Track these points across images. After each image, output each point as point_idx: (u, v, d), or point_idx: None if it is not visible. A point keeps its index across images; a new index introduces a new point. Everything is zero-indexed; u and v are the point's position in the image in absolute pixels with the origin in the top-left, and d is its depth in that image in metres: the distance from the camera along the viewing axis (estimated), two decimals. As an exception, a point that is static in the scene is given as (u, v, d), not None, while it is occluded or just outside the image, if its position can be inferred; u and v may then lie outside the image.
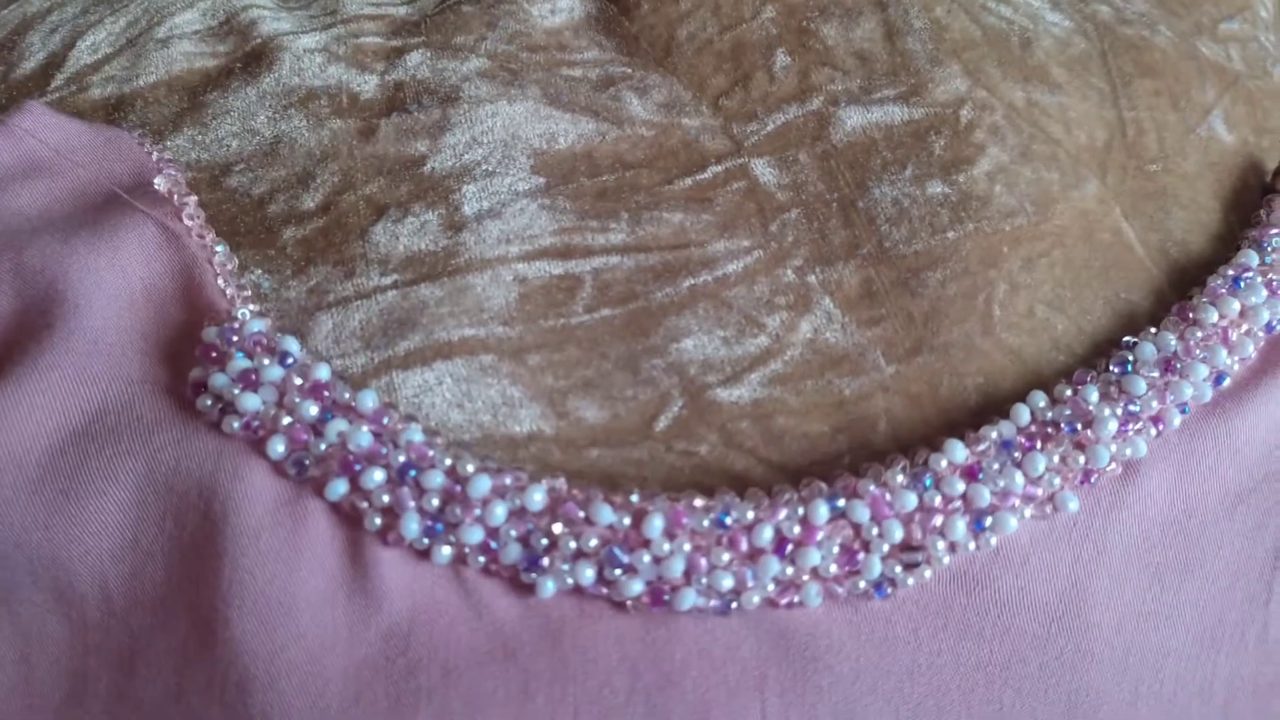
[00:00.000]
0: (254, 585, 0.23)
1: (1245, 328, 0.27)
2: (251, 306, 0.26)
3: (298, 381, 0.25)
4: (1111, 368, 0.26)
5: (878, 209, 0.28)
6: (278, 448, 0.24)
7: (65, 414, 0.24)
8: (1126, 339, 0.27)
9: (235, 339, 0.25)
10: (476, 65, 0.30)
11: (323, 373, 0.25)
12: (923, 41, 0.31)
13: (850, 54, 0.30)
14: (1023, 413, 0.26)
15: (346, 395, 0.25)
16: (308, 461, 0.24)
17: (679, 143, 0.29)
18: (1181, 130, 0.31)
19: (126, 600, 0.24)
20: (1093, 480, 0.25)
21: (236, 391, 0.24)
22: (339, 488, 0.24)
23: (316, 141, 0.28)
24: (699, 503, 0.24)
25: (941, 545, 0.25)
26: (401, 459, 0.24)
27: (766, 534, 0.24)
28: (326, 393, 0.25)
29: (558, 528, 0.24)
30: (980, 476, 0.25)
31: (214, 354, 0.25)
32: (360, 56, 0.30)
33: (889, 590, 0.24)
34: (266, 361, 0.25)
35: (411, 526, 0.24)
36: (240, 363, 0.25)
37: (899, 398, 0.26)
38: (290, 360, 0.25)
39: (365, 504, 0.24)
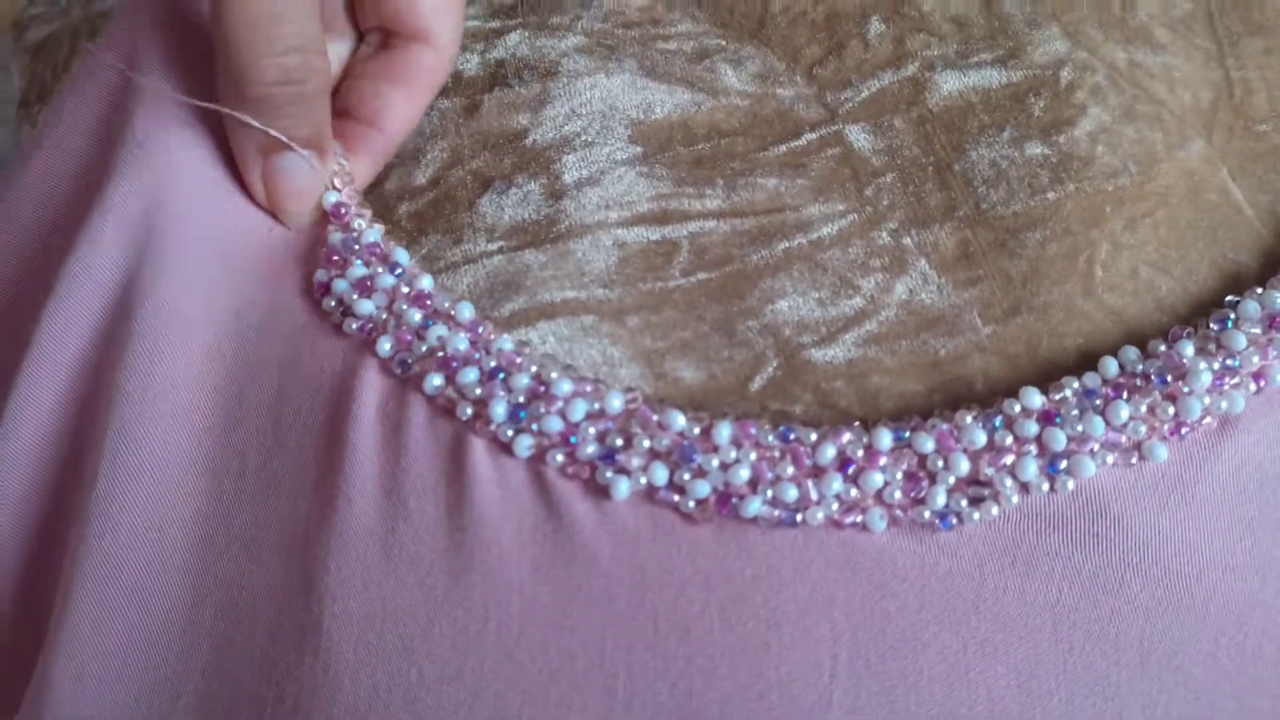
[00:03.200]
0: (370, 469, 0.25)
1: None
2: (367, 214, 0.28)
3: (405, 290, 0.27)
4: (1211, 325, 0.26)
5: (974, 171, 0.28)
6: (385, 346, 0.26)
7: (226, 300, 0.27)
8: (1230, 298, 0.26)
9: (356, 247, 0.27)
10: (574, 42, 0.31)
11: (426, 283, 0.27)
12: (1020, 5, 0.30)
13: (946, 19, 0.30)
14: (1110, 365, 0.26)
15: (447, 304, 0.26)
16: (410, 360, 0.26)
17: (773, 111, 0.29)
18: (1294, 89, 0.30)
19: (260, 477, 0.26)
20: (1183, 433, 0.25)
21: (355, 296, 0.27)
22: (435, 381, 0.26)
23: (426, 121, 0.30)
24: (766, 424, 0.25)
25: (1010, 483, 0.25)
26: (493, 363, 0.26)
27: (829, 452, 0.25)
28: (429, 301, 0.26)
29: (634, 428, 0.25)
30: (1057, 420, 0.25)
31: (336, 258, 0.27)
32: (462, 39, 0.31)
33: (954, 522, 0.24)
34: (380, 270, 0.27)
35: (499, 410, 0.25)
36: (358, 270, 0.27)
37: (996, 358, 0.26)
38: (400, 270, 0.27)
39: (458, 396, 0.25)
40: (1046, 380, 0.26)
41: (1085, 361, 0.26)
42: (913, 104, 0.29)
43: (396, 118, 0.29)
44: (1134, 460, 0.25)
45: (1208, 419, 0.25)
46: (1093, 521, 0.25)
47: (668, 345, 0.26)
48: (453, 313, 0.26)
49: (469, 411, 0.25)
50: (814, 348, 0.26)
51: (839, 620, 0.24)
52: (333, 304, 0.27)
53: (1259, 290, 0.26)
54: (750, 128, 0.29)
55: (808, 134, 0.29)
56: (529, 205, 0.28)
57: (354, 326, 0.26)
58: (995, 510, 0.25)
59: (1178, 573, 0.25)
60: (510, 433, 0.25)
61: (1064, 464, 0.25)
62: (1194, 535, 0.25)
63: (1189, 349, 0.25)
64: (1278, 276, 0.27)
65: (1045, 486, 0.25)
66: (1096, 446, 0.25)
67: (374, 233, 0.28)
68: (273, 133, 0.27)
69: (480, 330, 0.26)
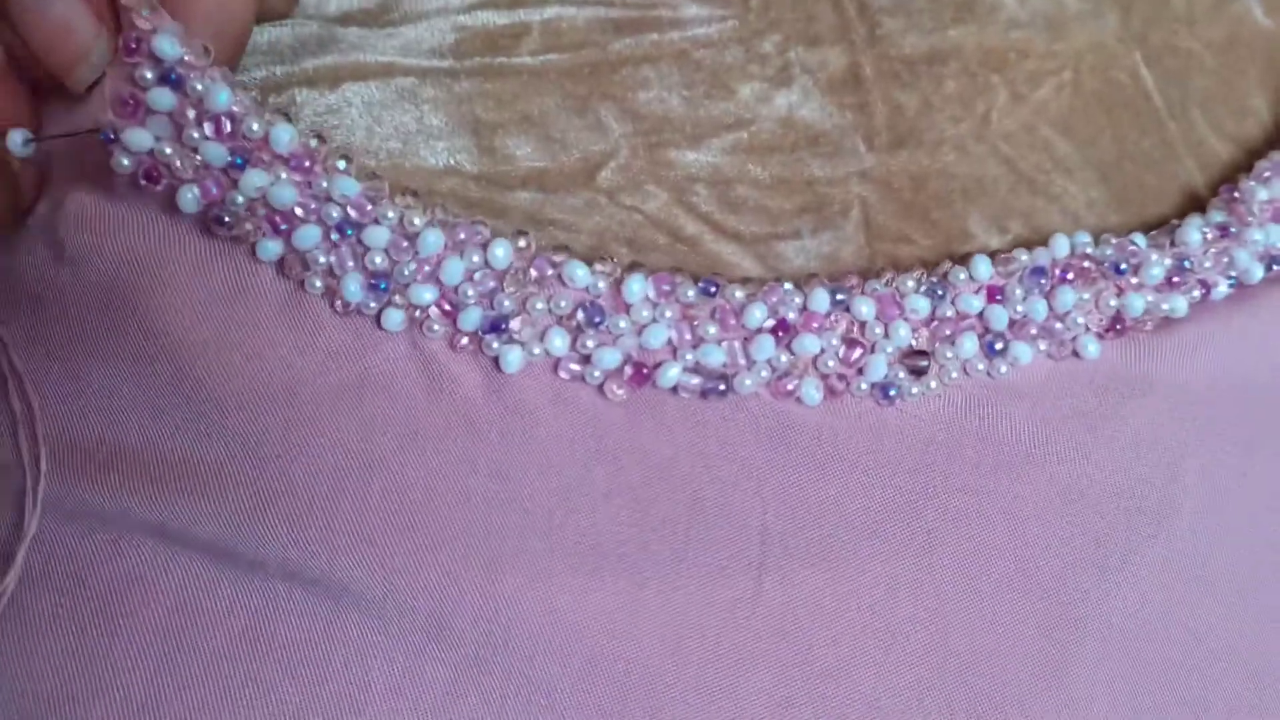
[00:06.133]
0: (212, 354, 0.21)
1: None
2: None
3: (191, 114, 0.20)
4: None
5: (874, -2, 0.25)
6: (188, 197, 0.20)
7: None
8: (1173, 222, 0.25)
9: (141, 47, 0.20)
10: None
11: (222, 98, 0.20)
12: None
13: None
14: (1061, 244, 0.24)
15: (255, 127, 0.20)
16: (227, 218, 0.20)
17: None
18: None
19: None
20: (1118, 328, 0.24)
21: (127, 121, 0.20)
22: (271, 248, 0.20)
23: None
24: (682, 276, 0.22)
25: (950, 354, 0.22)
26: (335, 214, 0.20)
27: (760, 313, 0.21)
28: (228, 123, 0.20)
29: (525, 285, 0.21)
30: (999, 299, 0.23)
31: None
32: None
33: (893, 394, 0.22)
34: (149, 74, 0.20)
35: (352, 288, 0.20)
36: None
37: (877, 187, 0.23)
38: (175, 73, 0.20)
39: (300, 265, 0.21)
40: (929, 219, 0.24)
41: (971, 205, 0.24)
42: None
43: None
44: (1064, 352, 0.23)
45: (1147, 321, 0.24)
46: (1031, 410, 0.23)
47: (504, 118, 0.22)
48: (268, 139, 0.20)
49: (318, 285, 0.21)
50: (676, 146, 0.23)
51: (770, 505, 0.22)
52: (124, 163, 0.20)
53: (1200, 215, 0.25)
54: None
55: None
56: None
57: (124, 165, 0.20)
58: (935, 384, 0.23)
59: (1098, 464, 0.23)
60: (374, 305, 0.21)
61: (1000, 345, 0.23)
62: (1128, 433, 0.24)
63: (1142, 240, 0.24)
64: (1216, 199, 0.26)
65: (981, 366, 0.23)
66: (1035, 331, 0.23)
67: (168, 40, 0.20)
68: None
69: (309, 165, 0.20)
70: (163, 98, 0.20)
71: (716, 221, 0.23)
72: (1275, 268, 0.25)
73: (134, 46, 0.20)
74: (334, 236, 0.20)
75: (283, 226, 0.20)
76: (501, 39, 0.23)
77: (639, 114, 0.23)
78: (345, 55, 0.22)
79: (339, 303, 0.21)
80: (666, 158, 0.23)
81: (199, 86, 0.20)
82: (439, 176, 0.22)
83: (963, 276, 0.23)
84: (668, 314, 0.21)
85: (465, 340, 0.21)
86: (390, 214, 0.20)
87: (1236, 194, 0.25)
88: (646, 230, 0.22)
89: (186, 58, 0.20)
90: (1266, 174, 0.25)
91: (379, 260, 0.20)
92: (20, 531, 0.21)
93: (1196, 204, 0.26)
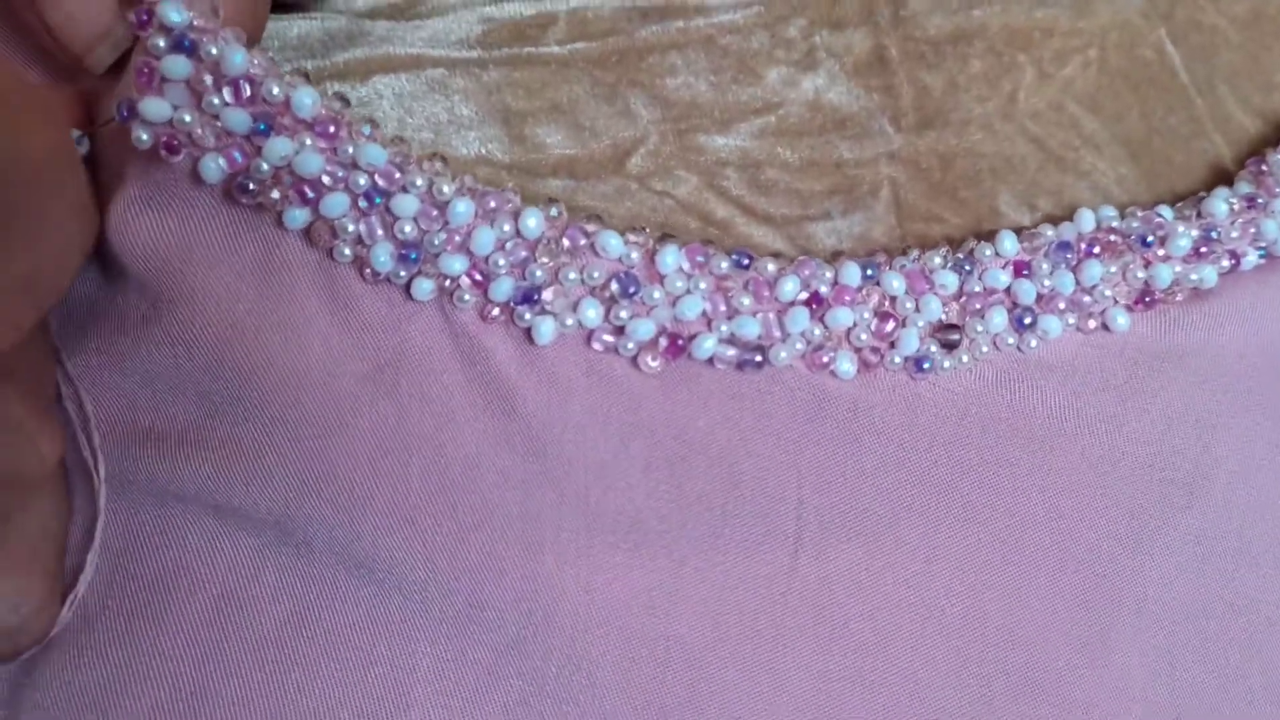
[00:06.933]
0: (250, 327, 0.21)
1: None
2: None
3: (209, 77, 0.20)
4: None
5: (897, -21, 0.25)
6: (211, 167, 0.20)
7: None
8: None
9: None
10: None
11: (238, 59, 0.19)
12: None
13: None
14: (1087, 218, 0.24)
15: (276, 91, 0.20)
16: (253, 185, 0.20)
17: None
18: (1238, -28, 0.28)
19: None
20: (1147, 301, 0.24)
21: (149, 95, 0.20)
22: (299, 216, 0.20)
23: None
24: (715, 249, 0.22)
25: (980, 328, 0.23)
26: (362, 181, 0.20)
27: (792, 285, 0.22)
28: (248, 87, 0.20)
29: (558, 256, 0.21)
30: (1026, 274, 0.23)
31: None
32: None
33: (926, 368, 0.22)
34: (161, 42, 0.19)
35: (381, 258, 0.20)
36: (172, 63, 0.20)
37: (905, 167, 0.23)
38: (188, 39, 0.19)
39: (329, 235, 0.21)
40: (957, 199, 0.23)
41: (1001, 184, 0.24)
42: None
43: None
44: (1092, 325, 0.23)
45: (1176, 292, 0.24)
46: (1062, 384, 0.23)
47: (534, 107, 0.22)
48: (290, 103, 0.20)
49: (347, 254, 0.21)
50: (705, 132, 0.23)
51: (806, 478, 0.22)
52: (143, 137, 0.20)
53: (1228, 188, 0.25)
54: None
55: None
56: None
57: (143, 140, 0.19)
58: (966, 358, 0.23)
59: (1138, 437, 0.23)
60: (403, 275, 0.21)
61: (1029, 319, 0.23)
62: (1160, 406, 0.24)
63: (1168, 212, 0.24)
64: (1244, 171, 0.26)
65: (1011, 340, 0.23)
66: (1063, 304, 0.23)
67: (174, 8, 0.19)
68: None
69: (333, 130, 0.20)
70: (177, 65, 0.19)
71: (747, 205, 0.23)
72: None
73: (145, 19, 0.19)
74: (362, 204, 0.20)
75: (310, 195, 0.20)
76: (528, 29, 0.23)
77: (667, 100, 0.23)
78: (375, 48, 0.23)
79: (368, 271, 0.21)
80: (695, 143, 0.23)
81: (213, 50, 0.19)
82: (471, 166, 0.22)
83: (989, 253, 0.23)
84: (702, 285, 0.21)
85: (496, 311, 0.21)
86: (419, 181, 0.20)
87: (1264, 166, 0.25)
88: (678, 215, 0.22)
89: (195, 21, 0.19)
90: None
91: (408, 229, 0.20)
92: (91, 538, 0.21)
93: (1225, 179, 0.26)
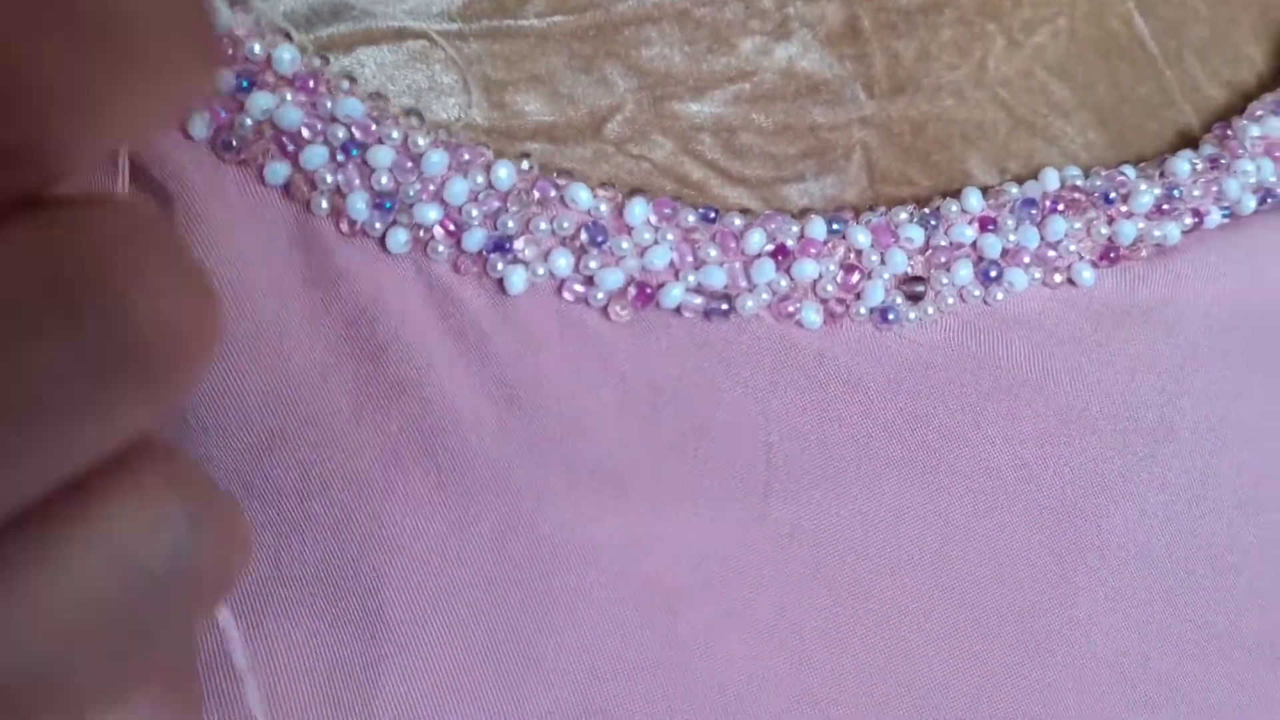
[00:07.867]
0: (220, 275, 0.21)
1: None
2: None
3: None
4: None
5: (868, -49, 0.26)
6: (199, 125, 0.21)
7: None
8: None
9: None
10: None
11: (223, 15, 0.20)
12: None
13: None
14: (1051, 177, 0.24)
15: (258, 49, 0.21)
16: (235, 141, 0.21)
17: None
18: (1206, -56, 0.29)
19: None
20: (1111, 257, 0.24)
21: None
22: (279, 170, 0.21)
23: None
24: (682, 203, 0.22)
25: (946, 280, 0.23)
26: (340, 134, 0.21)
27: (758, 238, 0.22)
28: (232, 47, 0.21)
29: (529, 206, 0.21)
30: (992, 228, 0.24)
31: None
32: None
33: (891, 319, 0.23)
34: None
35: (358, 206, 0.21)
36: None
37: (878, 132, 0.24)
38: None
39: (308, 186, 0.21)
40: (929, 162, 0.24)
41: (971, 148, 0.24)
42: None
43: None
44: (1057, 280, 0.24)
45: (1141, 249, 0.24)
46: (1029, 335, 0.23)
47: (513, 77, 0.23)
48: (271, 60, 0.22)
49: (324, 206, 0.21)
50: (679, 99, 0.23)
51: (774, 425, 0.22)
52: None
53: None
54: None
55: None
56: None
57: None
58: (932, 310, 0.23)
59: (1101, 388, 0.24)
60: (379, 226, 0.21)
61: (994, 272, 0.23)
62: (1120, 366, 0.24)
63: (1131, 171, 0.25)
64: (1210, 135, 0.26)
65: (977, 293, 0.23)
66: (1028, 259, 0.24)
67: None
68: None
69: (312, 85, 0.21)
70: None
71: (722, 168, 0.23)
72: (1270, 200, 0.25)
73: None
74: (339, 157, 0.21)
75: (290, 148, 0.21)
76: (508, 2, 0.24)
77: (643, 70, 0.23)
78: (358, 22, 0.23)
79: (344, 223, 0.21)
80: (671, 110, 0.23)
81: None
82: (450, 129, 0.22)
83: (955, 209, 0.23)
84: (669, 236, 0.22)
85: (469, 263, 0.22)
86: (394, 134, 0.21)
87: (1229, 131, 0.25)
88: (655, 178, 0.23)
89: None
90: (1259, 113, 0.26)
91: (384, 180, 0.21)
92: None
93: (1193, 146, 0.26)
